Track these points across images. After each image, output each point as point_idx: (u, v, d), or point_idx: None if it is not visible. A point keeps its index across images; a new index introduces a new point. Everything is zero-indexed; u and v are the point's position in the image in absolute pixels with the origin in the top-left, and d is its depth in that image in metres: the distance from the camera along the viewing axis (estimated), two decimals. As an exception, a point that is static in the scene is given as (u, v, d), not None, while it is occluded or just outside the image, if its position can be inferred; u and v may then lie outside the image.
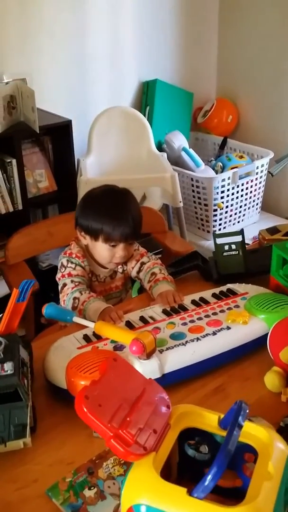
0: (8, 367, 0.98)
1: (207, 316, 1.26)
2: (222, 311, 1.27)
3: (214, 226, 2.75)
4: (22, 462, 0.98)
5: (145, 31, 2.90)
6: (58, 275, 1.47)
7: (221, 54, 3.27)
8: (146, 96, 2.96)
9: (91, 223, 1.43)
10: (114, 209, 1.43)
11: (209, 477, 0.67)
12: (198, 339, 1.17)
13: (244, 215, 2.87)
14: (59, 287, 1.45)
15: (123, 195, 1.47)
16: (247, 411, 0.74)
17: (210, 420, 0.82)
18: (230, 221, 2.81)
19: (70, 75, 2.67)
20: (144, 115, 2.87)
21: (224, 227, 2.79)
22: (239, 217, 2.84)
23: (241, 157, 2.89)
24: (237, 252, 1.49)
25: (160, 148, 2.89)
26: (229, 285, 1.41)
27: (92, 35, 2.68)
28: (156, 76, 2.96)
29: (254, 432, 0.79)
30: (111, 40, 2.77)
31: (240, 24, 3.10)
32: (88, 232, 1.45)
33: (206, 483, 0.67)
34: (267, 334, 1.18)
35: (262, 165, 2.79)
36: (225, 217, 2.77)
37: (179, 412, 0.82)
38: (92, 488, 0.92)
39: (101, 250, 1.45)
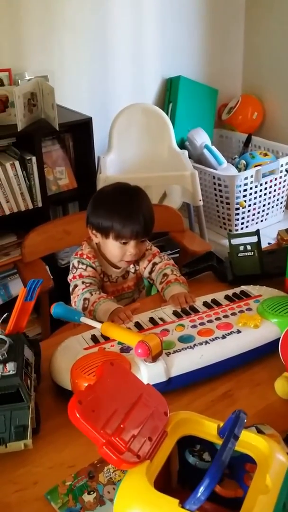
0: (11, 367, 0.97)
1: (217, 318, 1.23)
2: (233, 313, 1.24)
3: (236, 225, 2.70)
4: (24, 463, 0.97)
5: (168, 26, 2.87)
6: (70, 276, 1.46)
7: (247, 50, 3.21)
8: (169, 93, 2.93)
9: (101, 221, 1.42)
10: (124, 206, 1.42)
11: (201, 489, 0.65)
12: (206, 342, 1.14)
13: (267, 214, 2.81)
14: (70, 288, 1.44)
15: (134, 192, 1.46)
16: (245, 421, 0.71)
17: (209, 428, 0.79)
18: (252, 220, 2.75)
19: (92, 72, 2.66)
20: (167, 112, 2.85)
21: (247, 226, 2.74)
22: (262, 216, 2.79)
23: (266, 154, 2.83)
24: (252, 253, 1.46)
25: (183, 145, 2.86)
26: (243, 287, 1.38)
27: (114, 32, 2.66)
28: (180, 73, 2.93)
29: (254, 442, 0.76)
30: (134, 37, 2.75)
31: (267, 19, 3.03)
32: (99, 229, 1.44)
33: (198, 495, 0.65)
34: (279, 339, 1.15)
35: (287, 163, 2.73)
36: (248, 216, 2.72)
37: (177, 419, 0.80)
38: (91, 492, 0.91)
39: (112, 248, 1.43)
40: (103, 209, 1.43)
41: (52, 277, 2.10)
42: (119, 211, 1.40)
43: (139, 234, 1.41)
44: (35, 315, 2.25)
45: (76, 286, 1.42)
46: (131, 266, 1.53)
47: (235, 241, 1.48)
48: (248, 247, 1.46)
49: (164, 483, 0.84)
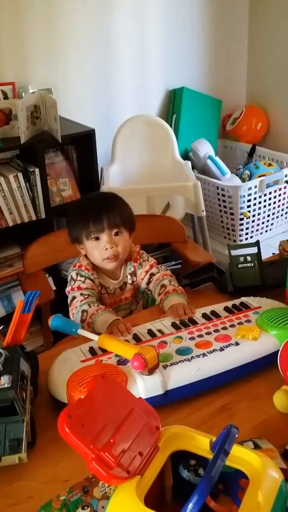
0: (5, 380, 0.97)
1: (216, 330, 1.22)
2: (232, 325, 1.23)
3: (240, 236, 2.69)
4: (19, 477, 0.97)
5: (172, 38, 2.89)
6: (68, 288, 1.46)
7: (251, 61, 3.22)
8: (173, 104, 2.95)
9: (73, 231, 1.48)
10: (86, 207, 1.49)
11: (190, 506, 0.64)
12: (204, 354, 1.13)
13: (272, 224, 2.80)
14: (68, 300, 1.44)
15: (96, 195, 1.56)
16: (236, 436, 0.70)
17: (202, 443, 0.78)
18: (257, 230, 2.75)
19: (95, 83, 2.68)
20: (171, 124, 2.86)
21: (251, 237, 2.73)
22: (266, 226, 2.78)
23: (270, 165, 2.83)
24: (252, 264, 1.45)
25: (186, 156, 2.86)
26: (243, 298, 1.36)
27: (118, 43, 2.68)
28: (184, 84, 2.94)
29: (247, 457, 0.75)
30: (137, 49, 2.77)
31: (271, 29, 3.05)
32: (75, 240, 1.49)
33: (187, 511, 0.64)
34: (278, 351, 1.13)
35: (291, 173, 2.72)
36: (252, 226, 2.71)
37: (169, 433, 0.79)
38: (85, 508, 0.89)
39: (90, 249, 1.46)
40: (71, 221, 1.51)
41: (55, 288, 2.11)
42: (81, 215, 1.46)
43: (108, 225, 1.42)
44: (38, 326, 2.25)
45: (74, 298, 1.41)
46: (129, 277, 1.52)
47: (235, 252, 1.48)
48: (248, 258, 1.46)
49: (158, 498, 0.83)
